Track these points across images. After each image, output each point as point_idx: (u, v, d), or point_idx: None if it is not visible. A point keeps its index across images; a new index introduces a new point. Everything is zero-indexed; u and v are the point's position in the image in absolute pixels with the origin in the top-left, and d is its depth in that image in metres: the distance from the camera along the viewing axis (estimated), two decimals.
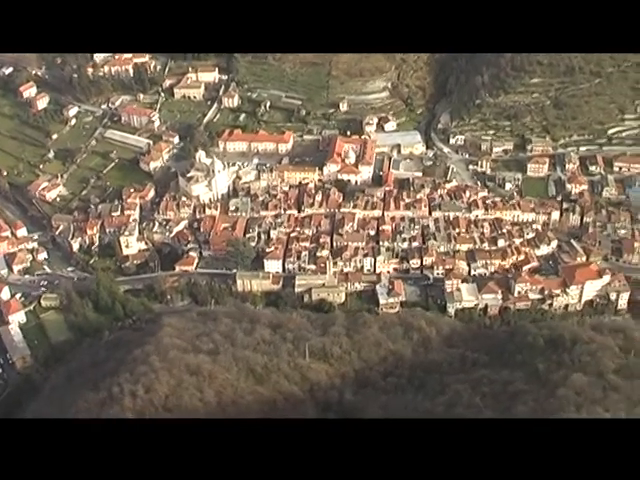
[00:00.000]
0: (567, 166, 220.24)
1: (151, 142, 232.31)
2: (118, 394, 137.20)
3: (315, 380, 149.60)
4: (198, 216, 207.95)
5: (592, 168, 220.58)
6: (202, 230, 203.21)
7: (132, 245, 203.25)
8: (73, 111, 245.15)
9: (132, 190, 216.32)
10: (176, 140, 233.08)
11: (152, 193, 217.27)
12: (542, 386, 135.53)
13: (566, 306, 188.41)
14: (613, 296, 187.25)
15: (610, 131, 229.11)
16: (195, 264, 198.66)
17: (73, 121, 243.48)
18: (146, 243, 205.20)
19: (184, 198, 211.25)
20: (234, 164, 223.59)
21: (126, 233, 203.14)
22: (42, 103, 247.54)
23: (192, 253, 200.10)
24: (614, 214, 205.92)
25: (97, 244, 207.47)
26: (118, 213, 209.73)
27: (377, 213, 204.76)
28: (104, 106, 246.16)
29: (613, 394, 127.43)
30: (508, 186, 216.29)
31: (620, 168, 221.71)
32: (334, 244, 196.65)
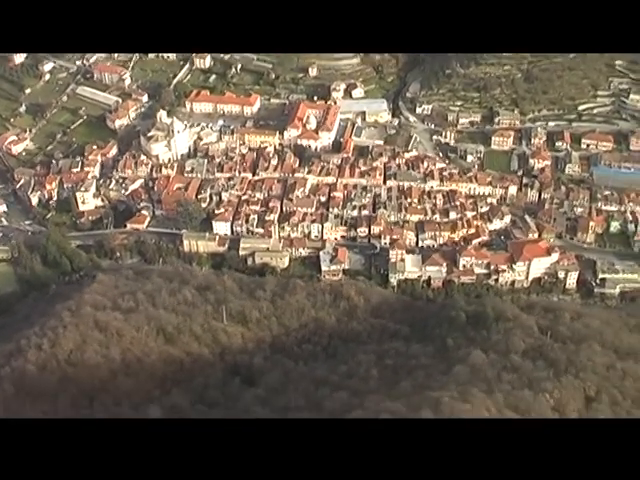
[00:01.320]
0: (533, 141, 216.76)
1: (120, 100, 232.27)
2: (25, 346, 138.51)
3: (227, 343, 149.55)
4: (155, 175, 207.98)
5: (558, 144, 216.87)
6: (156, 189, 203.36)
7: (88, 201, 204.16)
8: (48, 66, 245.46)
9: (94, 147, 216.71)
10: (145, 99, 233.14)
11: (114, 151, 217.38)
12: (442, 361, 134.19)
13: (513, 282, 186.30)
14: (562, 275, 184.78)
15: (581, 107, 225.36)
16: (147, 223, 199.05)
17: (47, 76, 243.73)
18: (102, 200, 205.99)
19: (143, 157, 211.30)
20: (198, 125, 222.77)
21: (82, 189, 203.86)
22: (19, 57, 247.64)
23: (144, 212, 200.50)
24: (573, 192, 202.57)
25: (55, 199, 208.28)
26: (78, 169, 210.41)
27: (331, 180, 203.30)
28: (79, 62, 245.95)
29: (508, 374, 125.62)
30: (470, 158, 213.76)
31: (588, 145, 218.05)
32: (284, 209, 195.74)
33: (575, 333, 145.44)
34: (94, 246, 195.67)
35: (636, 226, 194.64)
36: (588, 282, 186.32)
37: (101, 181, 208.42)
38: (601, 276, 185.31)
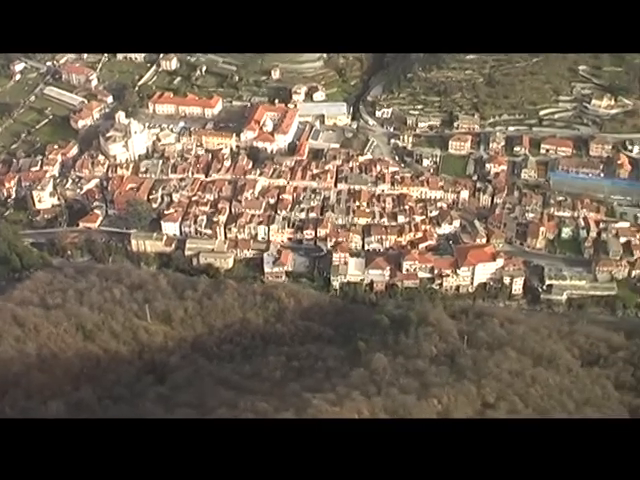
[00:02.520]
0: (491, 145, 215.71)
1: (85, 100, 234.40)
2: None
3: (148, 341, 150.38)
4: (111, 175, 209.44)
5: (517, 149, 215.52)
6: (110, 189, 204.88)
7: (44, 200, 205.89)
8: (20, 66, 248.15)
9: (56, 146, 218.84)
10: (110, 100, 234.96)
11: (75, 150, 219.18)
12: (347, 364, 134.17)
13: (457, 287, 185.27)
14: (507, 280, 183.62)
15: (542, 112, 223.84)
16: (99, 222, 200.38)
17: (18, 76, 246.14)
18: (59, 199, 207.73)
19: (101, 157, 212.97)
20: (160, 126, 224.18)
21: (38, 188, 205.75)
22: None
23: (97, 211, 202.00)
24: (526, 197, 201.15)
25: (14, 197, 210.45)
26: (37, 168, 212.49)
27: (282, 182, 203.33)
28: (49, 63, 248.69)
29: (404, 378, 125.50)
30: (426, 162, 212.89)
31: (547, 150, 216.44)
32: (232, 210, 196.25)
33: (495, 339, 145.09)
34: (46, 244, 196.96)
35: (588, 232, 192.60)
36: (535, 288, 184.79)
37: (58, 180, 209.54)
38: (548, 282, 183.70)
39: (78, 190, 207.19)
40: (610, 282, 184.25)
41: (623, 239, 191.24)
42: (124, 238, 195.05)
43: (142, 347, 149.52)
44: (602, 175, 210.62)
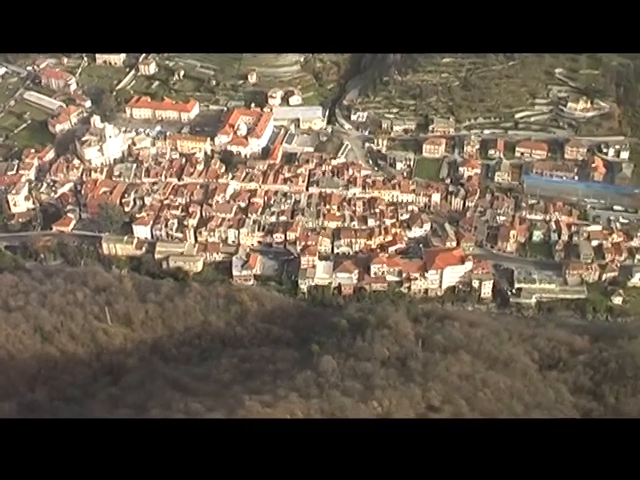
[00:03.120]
0: (465, 149, 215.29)
1: (64, 105, 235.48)
2: None
3: (106, 344, 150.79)
4: (85, 179, 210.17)
5: (491, 152, 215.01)
6: (83, 193, 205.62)
7: (20, 204, 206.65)
8: (0, 71, 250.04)
9: (33, 151, 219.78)
10: (88, 104, 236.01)
11: (52, 154, 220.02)
12: (297, 366, 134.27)
13: (426, 291, 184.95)
14: (476, 284, 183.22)
15: (517, 115, 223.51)
16: (72, 225, 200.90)
17: None
18: (33, 202, 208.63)
19: (77, 161, 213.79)
20: (136, 130, 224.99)
21: (13, 192, 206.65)
22: None
23: (70, 215, 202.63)
24: (498, 200, 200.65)
25: None
26: (13, 172, 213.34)
27: (254, 186, 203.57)
28: (29, 68, 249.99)
29: (352, 380, 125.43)
30: (399, 166, 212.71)
31: (522, 153, 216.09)
32: (203, 214, 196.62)
33: (451, 342, 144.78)
34: (19, 247, 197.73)
35: (559, 235, 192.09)
36: (504, 292, 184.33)
37: (33, 184, 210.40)
38: (517, 286, 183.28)
39: (52, 194, 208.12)
40: (580, 285, 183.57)
41: (595, 242, 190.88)
42: (96, 241, 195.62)
43: (100, 349, 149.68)
44: (576, 178, 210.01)
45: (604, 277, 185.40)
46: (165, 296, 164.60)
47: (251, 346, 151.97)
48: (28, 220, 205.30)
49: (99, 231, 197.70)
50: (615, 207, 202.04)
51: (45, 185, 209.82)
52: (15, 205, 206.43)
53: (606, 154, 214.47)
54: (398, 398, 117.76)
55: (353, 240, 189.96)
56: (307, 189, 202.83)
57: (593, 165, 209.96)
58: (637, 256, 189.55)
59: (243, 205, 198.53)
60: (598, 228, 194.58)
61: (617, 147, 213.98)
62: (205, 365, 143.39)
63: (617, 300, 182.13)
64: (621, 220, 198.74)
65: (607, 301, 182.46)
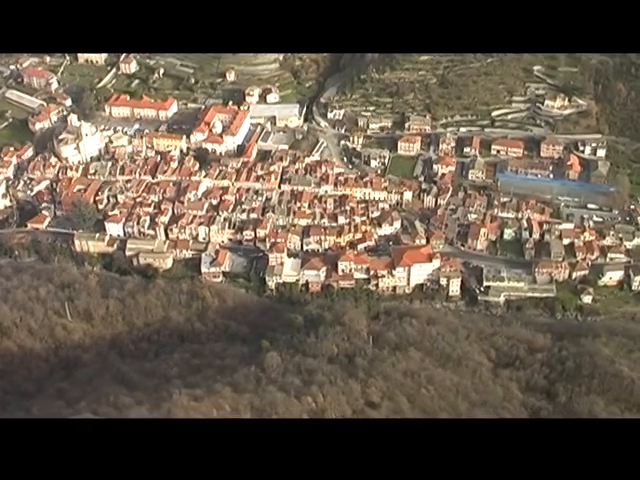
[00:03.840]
0: (441, 146, 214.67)
1: (45, 103, 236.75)
2: None
3: (65, 339, 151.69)
4: (61, 177, 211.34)
5: (467, 150, 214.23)
6: (58, 190, 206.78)
7: None
8: None
9: (12, 149, 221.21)
10: (68, 102, 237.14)
11: (30, 153, 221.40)
12: (243, 362, 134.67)
13: (394, 288, 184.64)
14: (444, 282, 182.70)
15: (494, 113, 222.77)
16: (46, 222, 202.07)
17: None
18: (10, 200, 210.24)
19: (54, 159, 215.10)
20: (114, 128, 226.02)
21: None
22: None
23: (45, 212, 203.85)
24: (470, 198, 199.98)
25: None
26: None
27: (227, 183, 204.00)
28: (12, 67, 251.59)
29: (289, 376, 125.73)
30: (373, 163, 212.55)
31: (498, 151, 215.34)
32: (175, 211, 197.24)
33: (404, 340, 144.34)
34: None
35: (530, 234, 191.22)
36: (472, 290, 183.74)
37: (10, 182, 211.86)
38: (486, 284, 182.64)
39: (29, 192, 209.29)
40: (549, 284, 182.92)
41: (566, 241, 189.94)
42: (69, 239, 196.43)
43: (59, 344, 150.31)
44: (551, 176, 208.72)
45: (574, 276, 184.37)
46: (128, 292, 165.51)
47: (207, 342, 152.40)
48: (5, 217, 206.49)
49: (73, 228, 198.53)
50: (589, 205, 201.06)
51: (22, 183, 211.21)
52: None
53: (583, 152, 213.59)
54: (335, 394, 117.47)
55: (322, 237, 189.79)
56: (279, 187, 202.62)
57: (569, 163, 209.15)
58: (609, 255, 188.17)
59: (215, 202, 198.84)
60: (570, 226, 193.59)
61: (594, 145, 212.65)
62: (157, 360, 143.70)
63: (587, 299, 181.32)
64: (595, 219, 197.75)
65: (577, 300, 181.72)
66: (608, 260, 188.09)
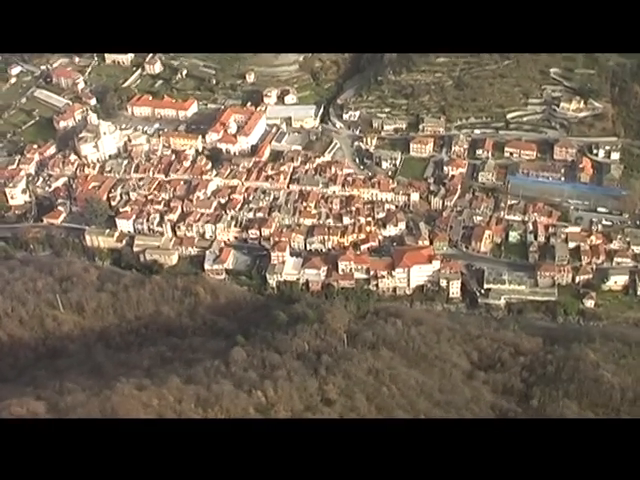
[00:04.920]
0: (453, 148, 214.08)
1: (70, 103, 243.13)
2: None
3: (54, 329, 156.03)
4: (79, 174, 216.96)
5: (479, 152, 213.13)
6: (74, 187, 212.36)
7: (17, 197, 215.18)
8: (16, 70, 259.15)
9: (35, 146, 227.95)
10: (93, 102, 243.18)
11: (53, 150, 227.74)
12: (212, 356, 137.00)
13: (394, 289, 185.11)
14: (444, 283, 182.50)
15: (509, 115, 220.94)
16: (62, 218, 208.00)
17: (14, 79, 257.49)
18: (30, 196, 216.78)
19: (73, 156, 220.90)
20: (134, 128, 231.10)
21: (11, 185, 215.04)
22: None
23: (60, 208, 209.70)
24: (477, 200, 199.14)
25: None
26: (14, 166, 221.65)
27: (236, 182, 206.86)
28: (43, 67, 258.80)
29: (250, 371, 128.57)
30: (385, 165, 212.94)
31: (511, 154, 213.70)
32: (184, 209, 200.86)
33: (380, 339, 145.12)
34: (11, 238, 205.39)
35: (535, 237, 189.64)
36: (473, 292, 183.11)
37: (31, 178, 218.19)
38: (486, 286, 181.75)
39: (47, 188, 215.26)
40: (551, 287, 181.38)
41: (572, 244, 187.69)
42: (81, 234, 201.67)
43: (48, 334, 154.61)
44: (563, 179, 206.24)
45: (578, 280, 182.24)
46: (123, 287, 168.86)
47: (191, 336, 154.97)
48: (23, 212, 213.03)
49: (85, 224, 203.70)
50: (599, 209, 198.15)
51: (41, 179, 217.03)
52: (12, 198, 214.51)
53: (597, 155, 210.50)
54: (289, 390, 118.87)
55: (326, 237, 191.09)
56: (288, 186, 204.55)
57: (581, 166, 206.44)
58: (615, 259, 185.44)
59: (223, 201, 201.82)
60: (577, 230, 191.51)
61: (607, 148, 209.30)
62: (134, 352, 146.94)
63: (589, 303, 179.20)
64: (604, 222, 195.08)
65: (578, 304, 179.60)
66: (614, 264, 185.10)
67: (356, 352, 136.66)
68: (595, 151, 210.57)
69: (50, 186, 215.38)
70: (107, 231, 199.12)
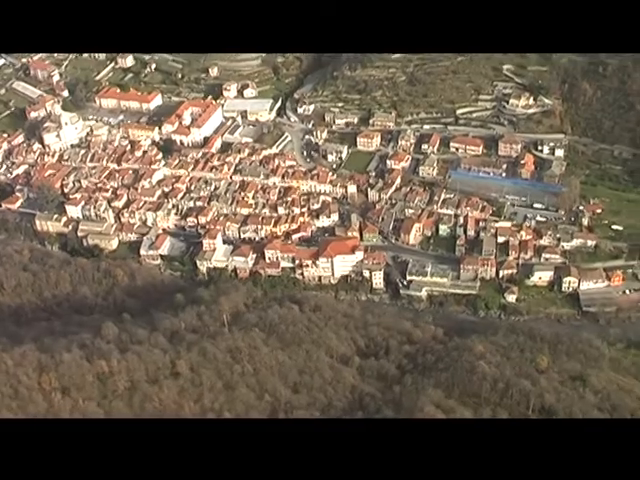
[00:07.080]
0: (400, 143, 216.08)
1: (44, 94, 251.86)
2: None
3: None
4: (39, 162, 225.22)
5: (424, 147, 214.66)
6: (32, 174, 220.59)
7: None
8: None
9: (5, 135, 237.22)
10: (65, 94, 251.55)
11: (21, 139, 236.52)
12: (90, 331, 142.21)
13: (320, 278, 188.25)
14: (367, 274, 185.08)
15: (459, 111, 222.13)
16: (19, 203, 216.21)
17: None
18: None
19: (36, 145, 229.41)
20: (99, 119, 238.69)
21: None
22: None
23: (18, 194, 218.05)
24: (411, 193, 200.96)
25: None
26: None
27: (182, 172, 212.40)
28: (24, 60, 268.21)
29: (114, 343, 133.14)
30: (330, 158, 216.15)
31: (457, 149, 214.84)
32: (130, 197, 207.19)
33: (262, 322, 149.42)
34: None
35: (465, 231, 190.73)
36: (395, 283, 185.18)
37: None
38: (409, 278, 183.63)
39: (9, 174, 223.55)
40: (473, 281, 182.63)
41: (502, 239, 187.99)
42: (33, 219, 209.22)
43: None
44: (504, 175, 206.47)
45: (502, 274, 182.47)
46: (48, 267, 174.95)
47: (92, 313, 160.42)
48: None
49: (39, 210, 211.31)
50: (535, 205, 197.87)
51: (5, 167, 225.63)
52: None
53: (541, 151, 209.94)
54: (137, 362, 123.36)
55: (259, 227, 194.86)
56: (231, 177, 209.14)
57: (522, 162, 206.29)
58: (544, 255, 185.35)
59: (167, 190, 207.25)
60: (507, 225, 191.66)
61: (552, 145, 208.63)
62: (32, 326, 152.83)
63: (510, 298, 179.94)
64: (538, 218, 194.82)
65: (500, 298, 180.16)
66: (542, 260, 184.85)
67: (226, 331, 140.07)
68: (540, 147, 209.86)
69: (12, 173, 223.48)
70: (55, 216, 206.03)
